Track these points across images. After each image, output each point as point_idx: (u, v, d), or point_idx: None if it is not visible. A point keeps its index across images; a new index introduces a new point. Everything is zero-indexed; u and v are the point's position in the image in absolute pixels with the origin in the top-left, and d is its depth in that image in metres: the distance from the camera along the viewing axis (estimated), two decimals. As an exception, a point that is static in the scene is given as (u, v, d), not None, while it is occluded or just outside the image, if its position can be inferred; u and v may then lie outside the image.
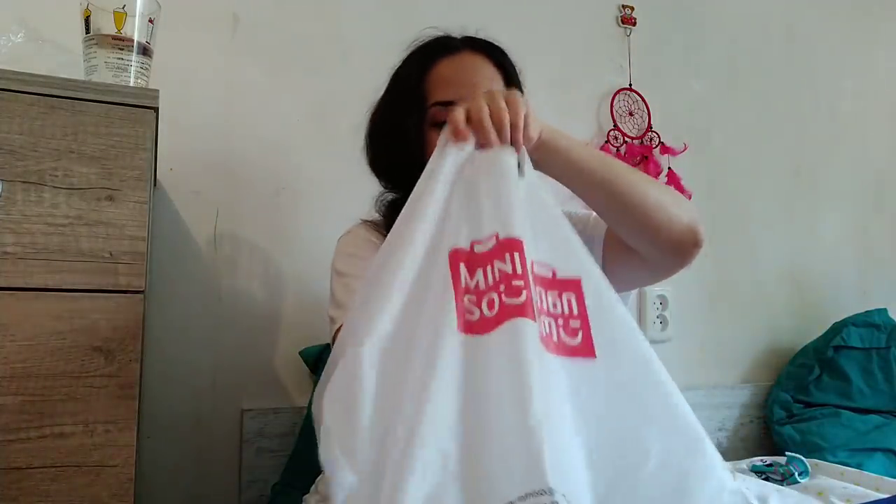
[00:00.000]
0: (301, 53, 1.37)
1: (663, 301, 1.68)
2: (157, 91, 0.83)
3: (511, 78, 0.94)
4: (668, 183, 1.68)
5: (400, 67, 0.97)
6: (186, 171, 1.25)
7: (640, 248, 0.83)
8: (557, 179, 0.79)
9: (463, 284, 0.62)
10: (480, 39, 0.94)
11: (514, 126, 0.71)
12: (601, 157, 0.82)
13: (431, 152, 0.81)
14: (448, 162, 0.71)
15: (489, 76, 0.91)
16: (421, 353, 0.59)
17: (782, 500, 1.21)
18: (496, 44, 0.94)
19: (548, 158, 0.76)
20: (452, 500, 0.53)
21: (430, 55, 0.93)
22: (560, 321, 0.64)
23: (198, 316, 1.24)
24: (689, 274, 1.73)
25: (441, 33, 0.96)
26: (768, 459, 1.45)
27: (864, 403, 1.65)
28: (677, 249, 0.82)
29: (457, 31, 0.96)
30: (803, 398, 1.69)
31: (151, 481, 1.16)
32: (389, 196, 1.00)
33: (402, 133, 0.90)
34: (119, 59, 0.88)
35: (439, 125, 0.84)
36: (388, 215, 0.97)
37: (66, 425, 0.75)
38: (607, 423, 0.61)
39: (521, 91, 0.94)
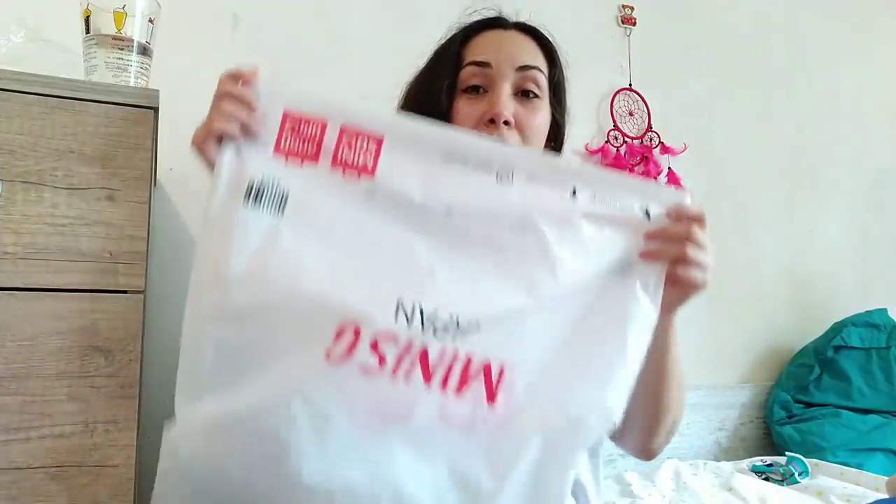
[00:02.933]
0: (301, 53, 1.37)
1: (663, 301, 1.68)
2: (157, 91, 0.83)
3: (554, 63, 0.91)
4: (668, 183, 1.68)
5: (440, 45, 0.94)
6: (186, 171, 1.24)
7: (633, 424, 0.78)
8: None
9: None
10: (531, 25, 0.91)
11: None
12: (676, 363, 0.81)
13: (457, 116, 0.84)
14: None
15: (531, 52, 0.87)
16: None
17: (782, 500, 1.22)
18: (547, 34, 0.91)
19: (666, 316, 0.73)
20: None
21: (476, 27, 0.90)
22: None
23: (198, 316, 1.24)
24: (689, 274, 1.73)
25: (495, 12, 0.93)
26: (768, 459, 1.45)
27: (864, 403, 1.65)
28: (652, 445, 0.83)
29: (509, 17, 0.93)
30: (803, 398, 1.69)
31: (151, 481, 1.16)
32: None
33: (433, 93, 0.86)
34: (119, 59, 0.88)
35: (469, 90, 0.84)
36: None
37: (66, 425, 0.75)
38: None
39: (562, 83, 0.93)
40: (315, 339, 0.61)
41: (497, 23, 0.90)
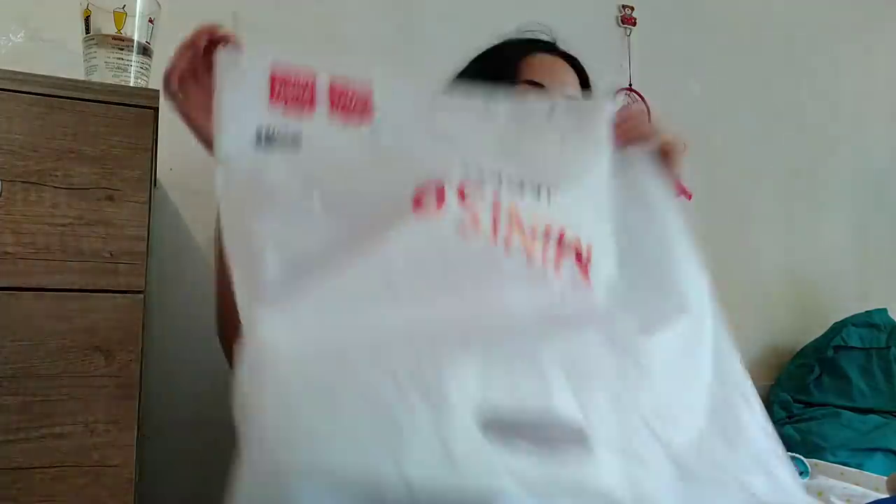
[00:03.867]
0: (301, 53, 1.37)
1: (663, 301, 1.68)
2: (157, 91, 0.83)
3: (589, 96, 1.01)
4: (668, 183, 1.68)
5: (495, 47, 1.02)
6: (186, 171, 1.25)
7: None
8: None
9: None
10: (573, 56, 1.01)
11: None
12: None
13: None
14: None
15: (574, 86, 0.98)
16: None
17: (782, 500, 1.21)
18: (587, 69, 1.02)
19: None
20: None
21: (532, 45, 1.00)
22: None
23: (198, 316, 1.24)
24: (689, 274, 1.73)
25: (546, 35, 1.03)
26: (768, 459, 1.44)
27: (864, 403, 1.65)
28: None
29: (556, 41, 1.04)
30: (803, 398, 1.69)
31: (151, 481, 1.16)
32: None
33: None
34: (119, 59, 0.88)
35: None
36: None
37: (66, 425, 0.75)
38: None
39: None
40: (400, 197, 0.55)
41: (549, 47, 1.00)
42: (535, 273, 0.54)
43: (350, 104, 0.66)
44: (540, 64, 0.96)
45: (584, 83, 1.01)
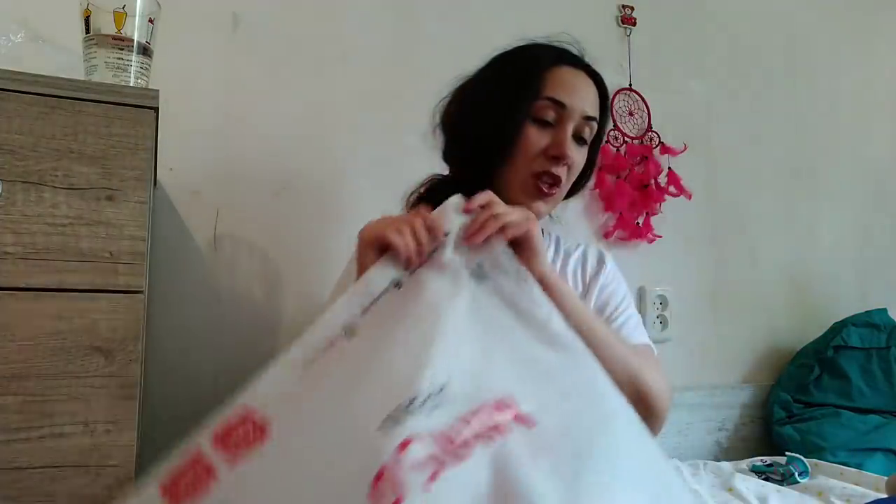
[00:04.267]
0: (301, 53, 1.37)
1: (663, 301, 1.68)
2: (157, 91, 0.83)
3: (605, 113, 1.00)
4: (668, 183, 1.68)
5: (517, 53, 0.99)
6: (186, 171, 1.25)
7: None
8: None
9: None
10: (596, 71, 1.00)
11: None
12: (585, 316, 0.83)
13: (525, 141, 0.91)
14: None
15: (595, 103, 0.97)
16: None
17: (782, 500, 1.21)
18: (606, 84, 1.01)
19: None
20: None
21: (556, 56, 0.97)
22: None
23: (198, 316, 1.25)
24: (689, 274, 1.74)
25: (571, 46, 1.01)
26: (768, 459, 1.45)
27: (864, 403, 1.65)
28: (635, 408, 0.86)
29: (582, 53, 1.01)
30: (803, 398, 1.69)
31: (151, 481, 1.16)
32: (439, 177, 1.04)
33: (504, 112, 0.92)
34: (119, 59, 0.88)
35: (538, 120, 0.92)
36: (429, 195, 0.99)
37: (66, 425, 0.75)
38: None
39: (605, 131, 1.03)
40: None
41: (574, 60, 0.98)
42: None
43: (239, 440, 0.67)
44: (562, 79, 0.94)
45: (605, 103, 1.00)
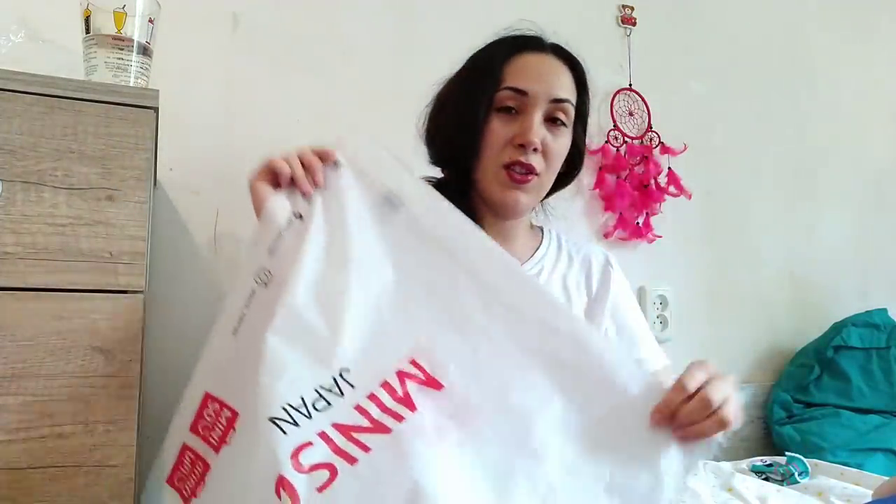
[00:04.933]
0: (301, 53, 1.37)
1: (663, 301, 1.68)
2: (157, 91, 0.83)
3: (584, 92, 0.96)
4: (668, 183, 1.68)
5: (482, 49, 0.97)
6: (186, 171, 1.25)
7: None
8: None
9: None
10: (567, 51, 0.96)
11: None
12: None
13: (489, 134, 0.89)
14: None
15: (566, 84, 0.93)
16: None
17: (782, 500, 1.21)
18: (580, 60, 0.96)
19: None
20: None
21: (517, 45, 0.94)
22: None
23: (198, 316, 1.24)
24: (689, 274, 1.74)
25: (534, 32, 0.97)
26: (768, 459, 1.45)
27: (864, 403, 1.65)
28: None
29: (547, 37, 0.97)
30: (803, 398, 1.69)
31: (151, 481, 1.16)
32: (433, 180, 1.02)
33: (468, 108, 0.91)
34: (119, 59, 0.88)
35: (502, 110, 0.90)
36: None
37: (66, 425, 0.75)
38: None
39: (587, 112, 0.98)
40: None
41: (537, 45, 0.94)
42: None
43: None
44: (524, 66, 0.91)
45: (581, 83, 0.96)
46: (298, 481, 0.55)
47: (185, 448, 0.66)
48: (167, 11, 0.95)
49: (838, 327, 1.73)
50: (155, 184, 1.10)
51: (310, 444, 0.57)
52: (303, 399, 0.59)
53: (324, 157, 0.73)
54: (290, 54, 1.36)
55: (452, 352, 0.63)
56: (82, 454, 0.75)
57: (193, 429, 0.67)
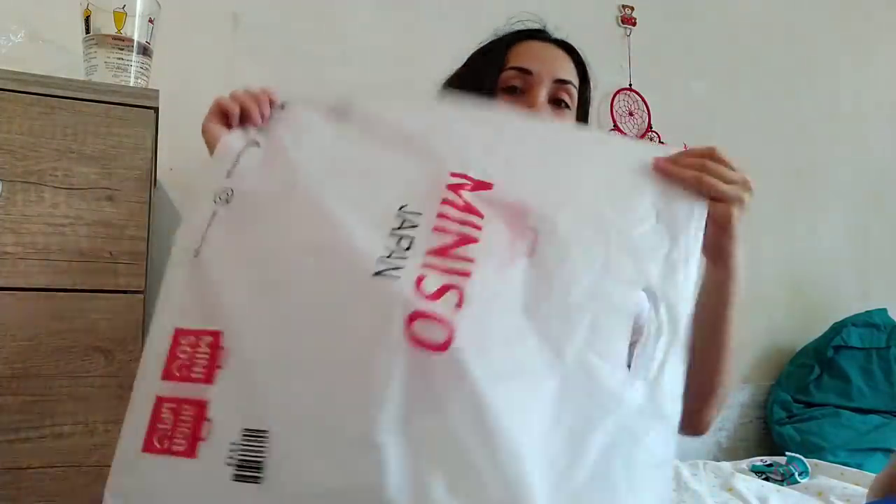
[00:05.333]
0: (301, 53, 1.37)
1: (663, 301, 1.68)
2: (157, 91, 0.84)
3: (586, 82, 0.97)
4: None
5: (487, 41, 0.99)
6: (186, 171, 1.25)
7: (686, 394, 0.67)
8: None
9: None
10: (570, 43, 0.97)
11: None
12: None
13: None
14: None
15: (568, 68, 0.93)
16: None
17: (782, 500, 1.22)
18: (582, 55, 0.97)
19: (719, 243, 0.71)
20: None
21: (520, 35, 0.96)
22: None
23: (198, 316, 1.24)
24: (689, 274, 1.73)
25: (538, 24, 0.99)
26: (768, 459, 1.45)
27: (864, 403, 1.65)
28: (707, 418, 0.84)
29: (550, 31, 0.99)
30: (803, 398, 1.69)
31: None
32: None
33: (474, 89, 0.91)
34: (119, 59, 0.88)
35: (507, 90, 0.90)
36: None
37: (66, 425, 0.75)
38: None
39: (589, 100, 0.98)
40: None
41: (540, 35, 0.96)
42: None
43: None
44: (528, 50, 0.92)
45: (583, 74, 0.97)
46: (435, 308, 0.55)
47: (160, 401, 0.63)
48: (167, 11, 0.95)
49: (838, 327, 1.73)
50: (155, 184, 1.10)
51: (423, 276, 0.57)
52: (386, 247, 0.60)
53: (270, 93, 0.74)
54: (290, 54, 1.36)
55: (485, 153, 0.66)
56: (82, 454, 0.75)
57: (167, 375, 0.63)
